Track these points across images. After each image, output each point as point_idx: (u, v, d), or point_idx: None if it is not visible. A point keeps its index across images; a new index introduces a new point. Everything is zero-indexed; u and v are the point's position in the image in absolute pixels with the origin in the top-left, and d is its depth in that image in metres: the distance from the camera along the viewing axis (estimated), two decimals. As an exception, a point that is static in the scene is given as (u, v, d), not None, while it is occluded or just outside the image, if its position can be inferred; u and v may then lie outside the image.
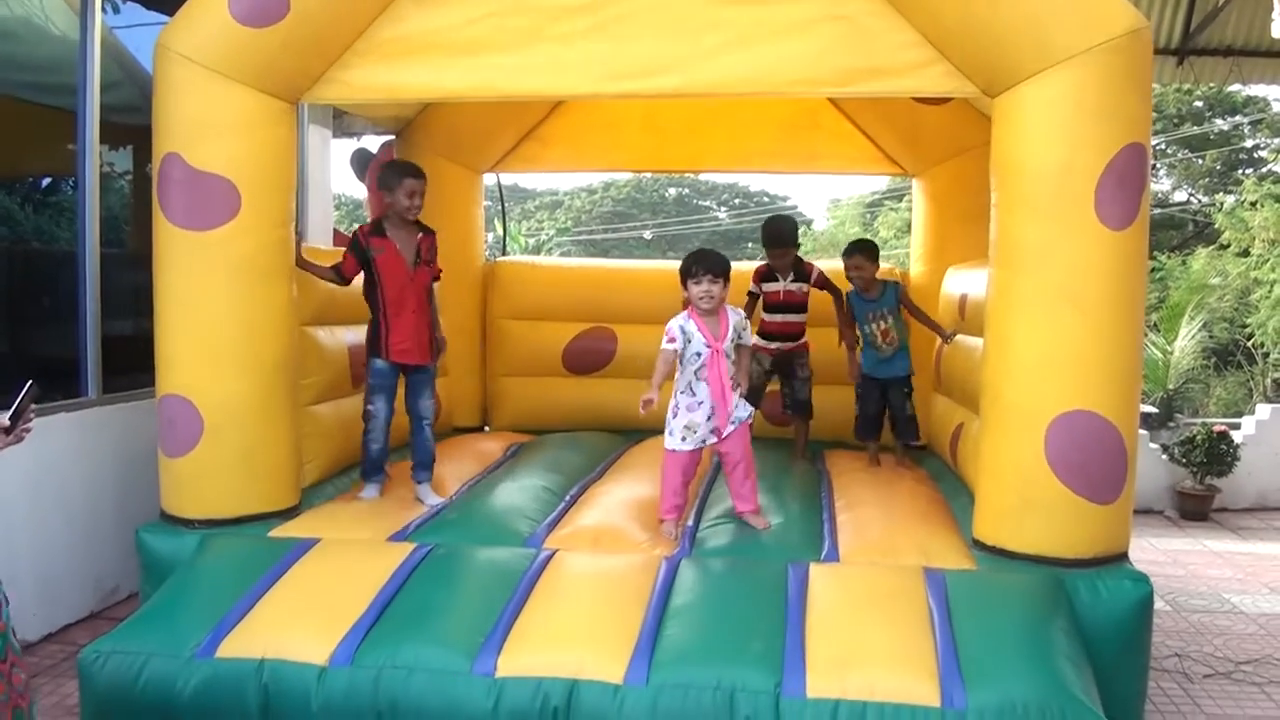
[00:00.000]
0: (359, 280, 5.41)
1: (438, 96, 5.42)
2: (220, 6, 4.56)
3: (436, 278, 5.65)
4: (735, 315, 4.93)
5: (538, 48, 4.76)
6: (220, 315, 4.72)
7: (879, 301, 6.35)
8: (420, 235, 5.45)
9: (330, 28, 4.76)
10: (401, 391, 5.54)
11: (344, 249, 5.42)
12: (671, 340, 4.84)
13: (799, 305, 6.61)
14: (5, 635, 3.31)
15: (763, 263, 6.75)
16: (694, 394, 4.86)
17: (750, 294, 6.65)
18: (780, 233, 6.65)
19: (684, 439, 4.89)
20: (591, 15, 4.72)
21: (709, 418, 4.87)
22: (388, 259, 5.28)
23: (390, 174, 5.40)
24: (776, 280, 6.58)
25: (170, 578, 4.47)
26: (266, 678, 3.78)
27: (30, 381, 3.48)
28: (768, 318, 6.63)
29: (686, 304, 4.96)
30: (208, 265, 4.69)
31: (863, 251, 6.39)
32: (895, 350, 6.25)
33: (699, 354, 4.81)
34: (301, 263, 5.20)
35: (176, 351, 4.77)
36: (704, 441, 4.89)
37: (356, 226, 5.54)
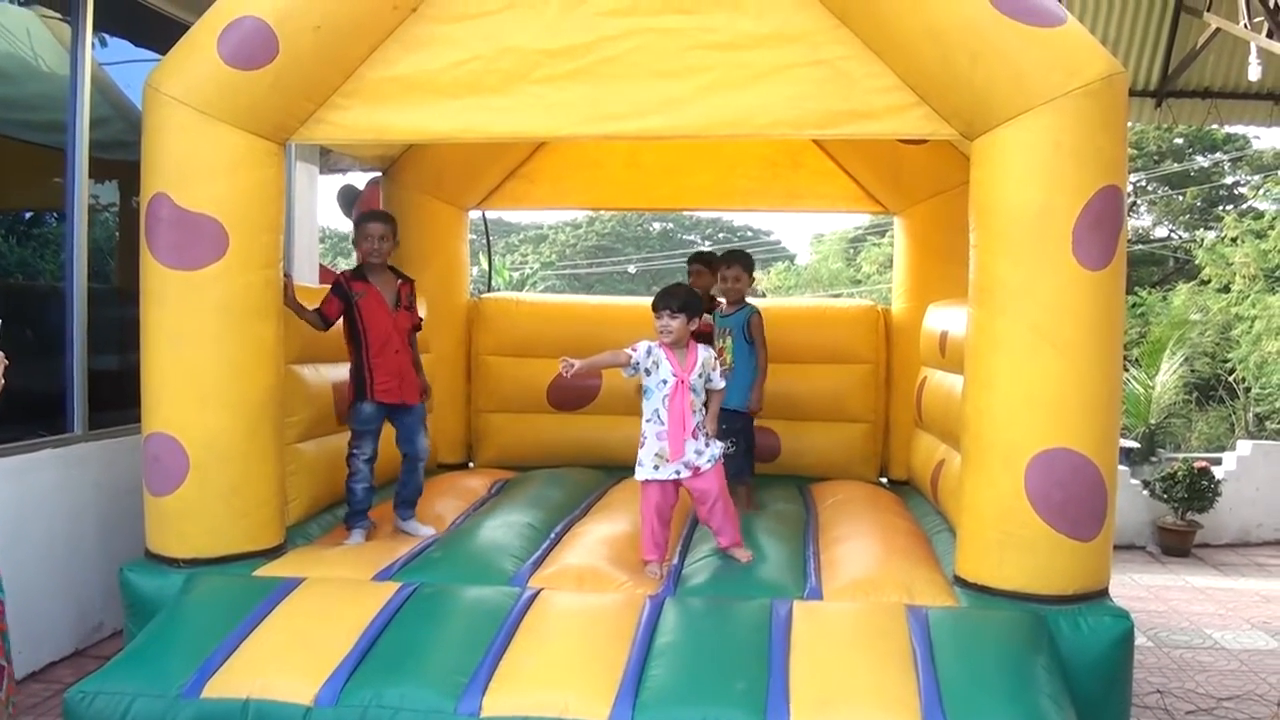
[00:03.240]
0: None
1: (424, 138, 5.47)
2: (209, 48, 4.60)
3: (418, 327, 5.71)
4: (705, 352, 4.98)
5: (523, 90, 4.82)
6: (207, 354, 4.74)
7: (730, 319, 6.36)
8: (400, 282, 5.57)
9: (319, 70, 4.81)
10: (390, 434, 5.57)
11: (327, 290, 5.45)
12: (633, 349, 4.90)
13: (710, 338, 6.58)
14: (5, 635, 3.32)
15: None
16: (662, 422, 4.89)
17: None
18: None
19: (656, 467, 4.91)
20: (576, 59, 4.78)
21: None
22: (369, 301, 5.36)
23: (358, 221, 5.55)
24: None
25: (156, 617, 4.46)
26: (252, 718, 3.77)
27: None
28: None
29: None
30: (195, 304, 4.71)
31: (742, 262, 6.40)
32: (726, 376, 5.64)
33: (665, 381, 4.87)
34: (293, 303, 5.23)
35: (163, 389, 4.78)
36: (678, 474, 4.92)
37: (340, 271, 5.58)
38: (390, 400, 5.39)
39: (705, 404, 5.01)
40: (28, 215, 6.44)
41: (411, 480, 5.55)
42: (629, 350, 4.92)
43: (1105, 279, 4.27)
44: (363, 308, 5.35)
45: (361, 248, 5.46)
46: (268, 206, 4.89)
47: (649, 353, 4.89)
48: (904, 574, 4.75)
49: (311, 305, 5.39)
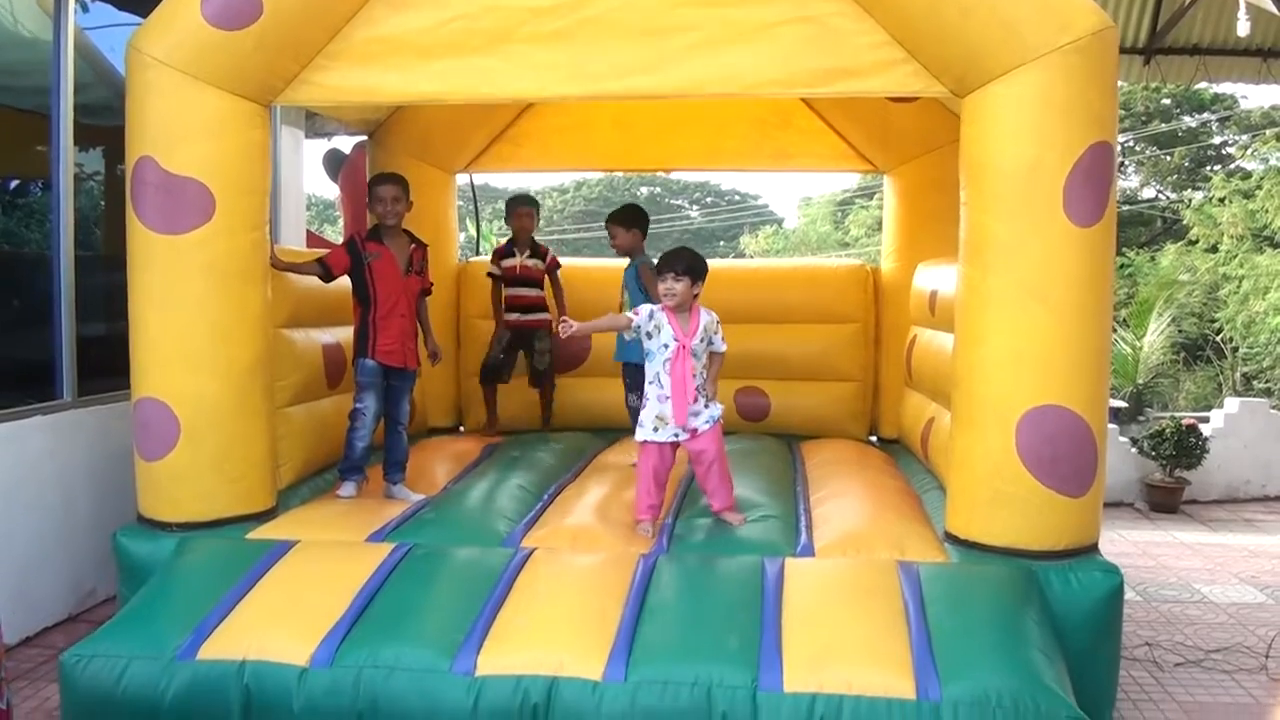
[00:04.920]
0: (336, 283, 5.44)
1: (410, 99, 5.43)
2: (193, 9, 4.56)
3: (428, 290, 5.76)
4: (707, 316, 4.98)
5: (508, 50, 4.78)
6: (195, 318, 4.72)
7: (625, 272, 6.54)
8: (413, 246, 5.61)
9: (303, 30, 4.76)
10: None
11: (335, 246, 5.45)
12: (635, 314, 4.94)
13: (535, 280, 7.14)
14: None
15: (501, 241, 7.26)
16: (662, 386, 4.91)
17: (490, 275, 7.24)
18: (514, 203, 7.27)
19: (655, 429, 4.94)
20: (561, 18, 4.73)
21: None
22: (383, 264, 5.40)
23: (369, 184, 5.59)
24: (513, 256, 7.08)
25: (149, 581, 4.47)
26: (248, 679, 3.78)
27: None
28: (507, 291, 7.17)
29: None
30: (182, 268, 4.68)
31: (618, 220, 6.60)
32: None
33: (666, 345, 4.88)
34: (280, 264, 5.22)
35: (152, 355, 4.76)
36: (676, 436, 4.93)
37: (355, 231, 5.60)
38: (391, 363, 5.42)
39: (705, 366, 5.02)
40: (13, 184, 6.40)
41: (398, 444, 5.58)
42: (630, 314, 4.92)
43: (1095, 235, 4.27)
44: (375, 269, 5.38)
45: (375, 210, 5.49)
46: (253, 169, 4.86)
47: (651, 316, 4.90)
48: (895, 531, 4.78)
49: (311, 260, 5.40)
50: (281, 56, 4.77)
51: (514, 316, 7.16)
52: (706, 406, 4.96)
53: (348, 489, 5.45)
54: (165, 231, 4.65)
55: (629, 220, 6.52)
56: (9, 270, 6.08)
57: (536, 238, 7.27)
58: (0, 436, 5.25)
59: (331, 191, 11.32)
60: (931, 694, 3.53)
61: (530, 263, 7.14)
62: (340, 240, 6.85)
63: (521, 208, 7.27)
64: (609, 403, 7.08)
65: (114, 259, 5.22)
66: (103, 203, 6.70)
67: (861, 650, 3.75)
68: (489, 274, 7.25)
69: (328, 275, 5.45)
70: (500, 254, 7.24)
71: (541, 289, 7.24)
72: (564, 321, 4.89)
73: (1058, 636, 4.03)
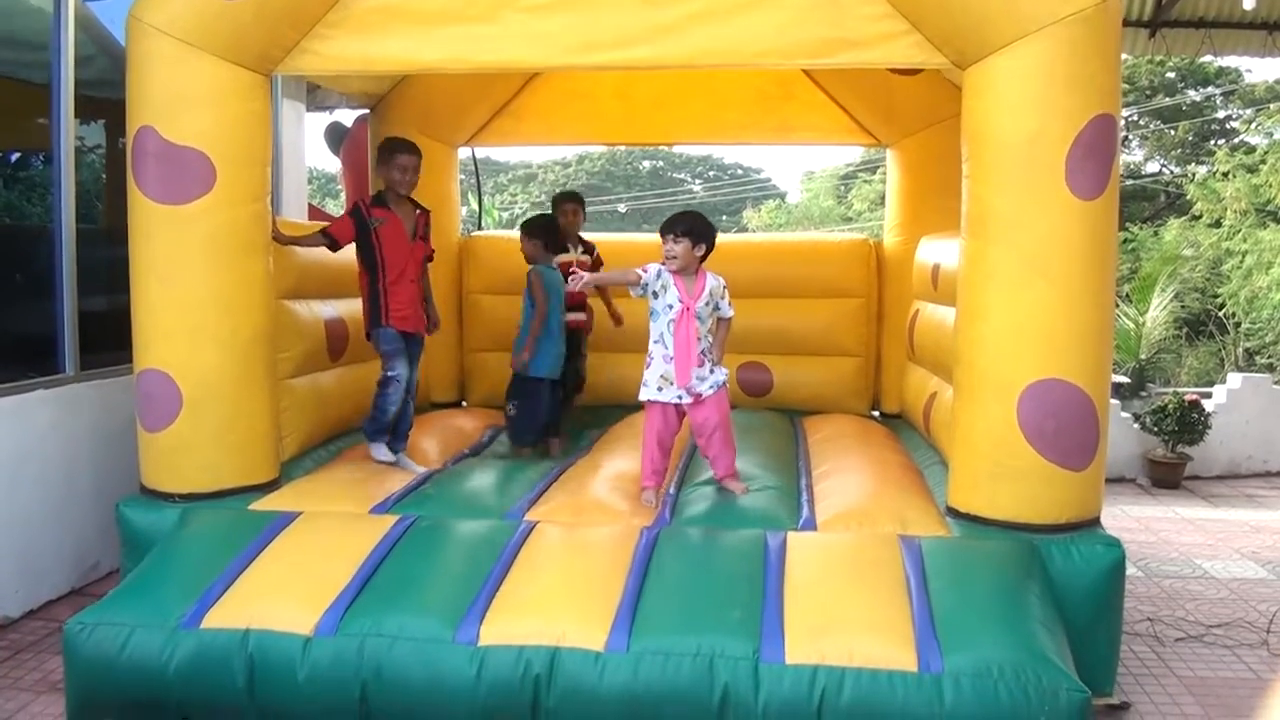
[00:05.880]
0: (339, 255, 5.43)
1: (410, 68, 5.41)
2: (192, -24, 4.54)
3: (430, 257, 5.73)
4: (714, 280, 4.99)
5: (509, 19, 4.75)
6: (197, 289, 4.72)
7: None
8: (418, 212, 5.60)
9: (303, -1, 4.75)
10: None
11: (341, 215, 5.43)
12: (644, 270, 4.92)
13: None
14: None
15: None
16: (666, 346, 4.92)
17: None
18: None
19: (659, 389, 4.95)
20: (562, -14, 4.72)
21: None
22: (390, 230, 5.38)
23: (384, 149, 5.53)
24: (566, 251, 6.84)
25: (153, 550, 4.48)
26: (252, 648, 3.80)
27: None
28: None
29: None
30: (184, 239, 4.68)
31: (520, 228, 6.57)
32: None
33: (671, 306, 4.88)
34: (283, 239, 5.22)
35: (154, 326, 4.76)
36: (680, 398, 4.93)
37: (359, 198, 5.55)
38: (405, 328, 5.41)
39: (711, 330, 5.01)
40: (14, 157, 6.38)
41: (405, 413, 5.56)
42: (639, 270, 4.92)
43: (1098, 208, 4.25)
44: (382, 236, 5.35)
45: (392, 177, 5.45)
46: (255, 140, 4.86)
47: (658, 275, 4.90)
48: (897, 505, 4.78)
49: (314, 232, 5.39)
50: (281, 25, 4.75)
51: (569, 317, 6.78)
52: (711, 372, 4.96)
53: (382, 451, 5.41)
54: (166, 202, 4.65)
55: (529, 229, 6.43)
56: (10, 244, 6.07)
57: (529, 213, 7.21)
58: (3, 410, 5.25)
59: (333, 165, 11.28)
60: (933, 666, 3.55)
61: (584, 258, 6.96)
62: (341, 213, 6.82)
63: (568, 204, 7.11)
64: (612, 379, 7.13)
65: (115, 232, 5.21)
66: (104, 176, 6.68)
67: (863, 622, 3.76)
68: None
69: (334, 245, 5.43)
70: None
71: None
72: (574, 273, 4.90)
73: (1059, 610, 4.04)
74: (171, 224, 4.67)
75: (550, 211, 7.02)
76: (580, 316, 6.89)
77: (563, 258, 6.86)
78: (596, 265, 7.07)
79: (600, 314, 7.11)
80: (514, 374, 6.22)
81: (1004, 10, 4.18)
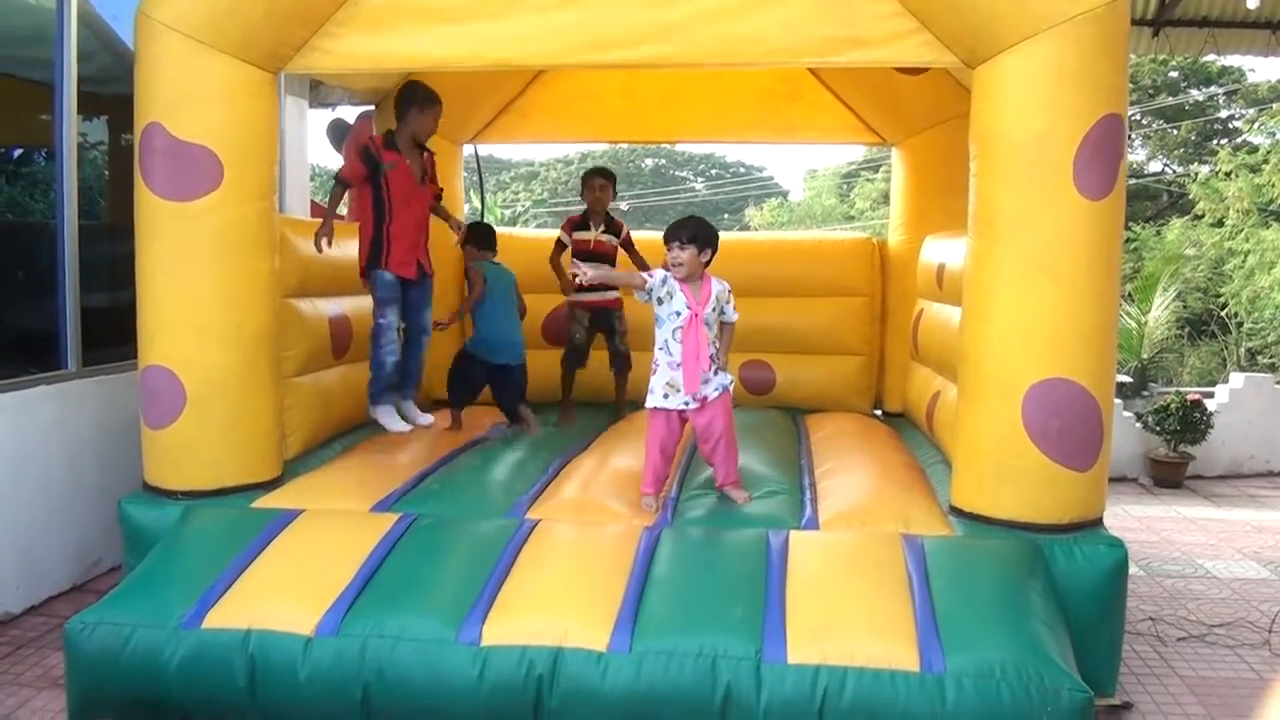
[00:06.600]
0: (345, 253, 5.41)
1: (420, 65, 5.39)
2: (202, -27, 4.54)
3: (439, 197, 5.73)
4: (720, 285, 4.94)
5: (517, 17, 4.74)
6: (203, 286, 4.71)
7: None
8: (425, 154, 5.58)
9: (311, -4, 4.74)
10: None
11: (349, 156, 5.41)
12: (650, 275, 4.87)
13: (609, 257, 6.77)
14: None
15: (575, 212, 6.96)
16: (671, 354, 4.88)
17: (559, 243, 6.90)
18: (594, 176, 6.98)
19: (666, 396, 4.90)
20: (570, -16, 4.71)
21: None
22: (399, 174, 5.34)
23: (423, 97, 5.52)
24: (588, 229, 6.77)
25: (155, 549, 4.47)
26: (253, 648, 3.80)
27: None
28: None
29: None
30: (190, 236, 4.68)
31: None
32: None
33: (678, 313, 4.83)
34: (324, 230, 5.27)
35: (159, 322, 4.76)
36: (686, 404, 4.91)
37: (369, 137, 5.52)
38: (404, 274, 5.35)
39: (717, 336, 4.99)
40: (16, 154, 6.38)
41: (415, 355, 5.49)
42: (645, 276, 4.89)
43: (1105, 209, 4.25)
44: (391, 179, 5.30)
45: (425, 125, 5.48)
46: (262, 137, 4.85)
47: (664, 282, 4.84)
48: (900, 504, 4.78)
49: (306, 237, 5.36)
50: (291, 22, 4.75)
51: (588, 297, 6.81)
52: (715, 374, 4.94)
53: (388, 416, 5.31)
54: (173, 198, 4.65)
55: (463, 243, 6.44)
56: (13, 240, 6.06)
57: (531, 210, 7.19)
58: (5, 406, 5.25)
59: (336, 161, 11.27)
60: (935, 666, 3.54)
61: (605, 238, 6.88)
62: (343, 209, 6.77)
63: (597, 179, 6.96)
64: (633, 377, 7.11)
65: (118, 228, 5.21)
66: (106, 172, 6.67)
67: (866, 622, 3.76)
68: (558, 241, 6.95)
69: (343, 184, 5.38)
70: (574, 224, 6.96)
71: (615, 265, 6.81)
72: (577, 265, 4.90)
73: (1062, 610, 4.04)
74: (178, 220, 4.66)
75: (482, 220, 7.10)
76: (609, 295, 6.85)
77: (581, 234, 6.85)
78: (626, 244, 7.01)
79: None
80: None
81: (1014, 9, 4.17)
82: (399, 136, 5.39)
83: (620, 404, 7.03)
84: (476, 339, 6.35)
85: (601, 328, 6.93)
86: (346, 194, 5.71)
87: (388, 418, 5.35)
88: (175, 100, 4.63)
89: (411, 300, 5.50)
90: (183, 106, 4.63)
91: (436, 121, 5.46)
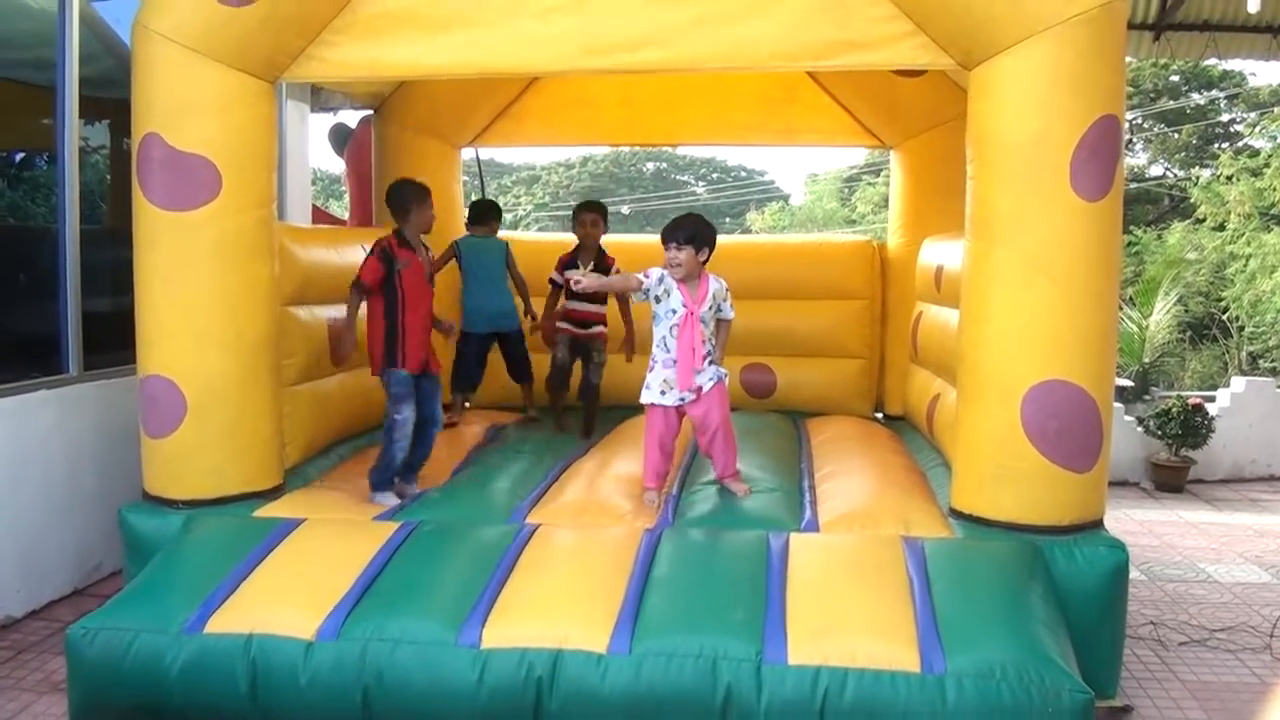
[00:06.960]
0: (343, 259, 5.40)
1: (417, 74, 5.39)
2: (199, -16, 4.54)
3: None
4: (716, 284, 4.97)
5: (515, 24, 4.76)
6: (202, 295, 4.72)
7: None
8: (428, 251, 5.53)
9: (309, 5, 4.75)
10: None
11: (366, 258, 5.33)
12: (646, 275, 4.89)
13: (595, 295, 6.49)
14: None
15: (565, 253, 6.83)
16: (668, 350, 4.91)
17: (551, 282, 6.78)
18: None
19: (663, 392, 4.94)
20: (568, -11, 4.72)
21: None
22: (412, 272, 5.28)
23: (417, 193, 5.42)
24: (577, 268, 6.56)
25: (157, 556, 4.48)
26: (255, 652, 3.80)
27: None
28: (568, 304, 6.73)
29: None
30: (189, 245, 4.68)
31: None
32: None
33: (674, 311, 4.86)
34: (341, 329, 5.27)
35: (158, 332, 4.76)
36: (682, 400, 4.93)
37: (386, 239, 5.48)
38: (416, 370, 5.32)
39: (714, 334, 5.01)
40: (18, 157, 6.39)
41: (423, 445, 5.47)
42: (641, 276, 4.90)
43: (1102, 210, 4.25)
44: (405, 277, 5.25)
45: (426, 219, 5.40)
46: (260, 146, 4.86)
47: (661, 280, 4.87)
48: (900, 506, 4.78)
49: (305, 245, 5.35)
50: (287, 32, 4.76)
51: (569, 327, 6.73)
52: (709, 365, 4.95)
53: (386, 498, 5.32)
54: (172, 208, 4.65)
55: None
56: (14, 244, 6.07)
57: (532, 214, 7.17)
58: (6, 410, 5.26)
59: (337, 166, 11.28)
60: (936, 667, 3.55)
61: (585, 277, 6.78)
62: (344, 214, 6.76)
63: (587, 215, 6.78)
64: (617, 381, 7.08)
65: (119, 233, 5.22)
66: (108, 176, 6.69)
67: (866, 623, 3.76)
68: (550, 280, 6.80)
69: (365, 293, 5.33)
70: (564, 263, 6.71)
71: (604, 304, 6.75)
72: (575, 275, 4.93)
73: (1063, 612, 4.04)
74: (177, 230, 4.67)
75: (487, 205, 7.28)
76: (594, 330, 6.76)
77: (572, 274, 6.79)
78: None
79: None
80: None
81: (1010, 11, 4.17)
82: (408, 233, 5.35)
83: (588, 431, 6.78)
84: (465, 315, 6.66)
85: (581, 353, 6.83)
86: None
87: (384, 499, 5.35)
88: (173, 111, 4.64)
89: (424, 391, 5.48)
90: (180, 117, 4.64)
91: (433, 210, 5.42)
